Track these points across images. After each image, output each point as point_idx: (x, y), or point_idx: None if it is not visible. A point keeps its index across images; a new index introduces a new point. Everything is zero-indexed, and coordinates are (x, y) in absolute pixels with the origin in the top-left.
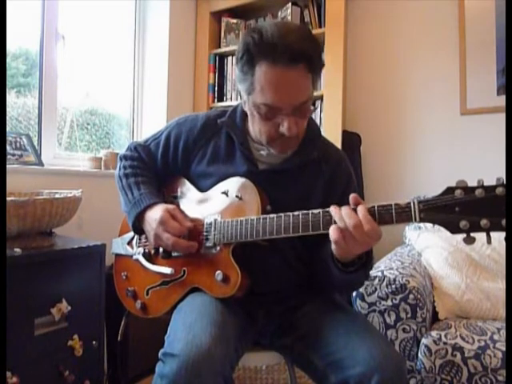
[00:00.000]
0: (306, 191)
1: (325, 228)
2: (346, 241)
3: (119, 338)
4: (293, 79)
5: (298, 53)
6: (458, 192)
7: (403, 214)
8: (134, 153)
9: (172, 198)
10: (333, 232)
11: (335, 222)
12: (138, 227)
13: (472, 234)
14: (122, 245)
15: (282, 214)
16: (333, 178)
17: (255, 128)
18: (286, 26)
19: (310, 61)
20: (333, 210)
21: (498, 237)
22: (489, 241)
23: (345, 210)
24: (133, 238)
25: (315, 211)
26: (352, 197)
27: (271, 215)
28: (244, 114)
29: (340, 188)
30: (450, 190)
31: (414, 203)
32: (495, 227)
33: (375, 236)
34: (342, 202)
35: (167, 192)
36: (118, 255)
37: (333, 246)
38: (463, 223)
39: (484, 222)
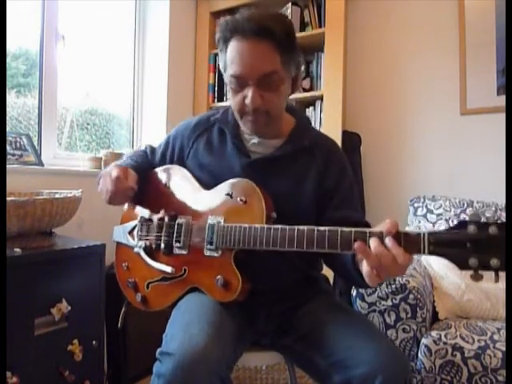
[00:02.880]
0: (299, 178)
1: (330, 247)
2: (380, 276)
3: (119, 326)
4: (257, 51)
5: (263, 28)
6: (471, 228)
7: (412, 246)
8: (143, 149)
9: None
10: (368, 274)
11: (349, 249)
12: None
13: (480, 272)
14: (123, 233)
15: (287, 227)
16: (327, 165)
17: (232, 104)
18: (259, 10)
19: (276, 38)
20: (359, 247)
21: None
22: (497, 280)
23: (374, 245)
24: (134, 228)
25: (321, 228)
26: (387, 229)
27: (276, 226)
28: None
29: (334, 175)
30: (462, 224)
31: (424, 235)
32: (505, 268)
33: (408, 265)
34: (335, 189)
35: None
36: (119, 244)
37: (365, 277)
38: (472, 261)
39: (494, 261)
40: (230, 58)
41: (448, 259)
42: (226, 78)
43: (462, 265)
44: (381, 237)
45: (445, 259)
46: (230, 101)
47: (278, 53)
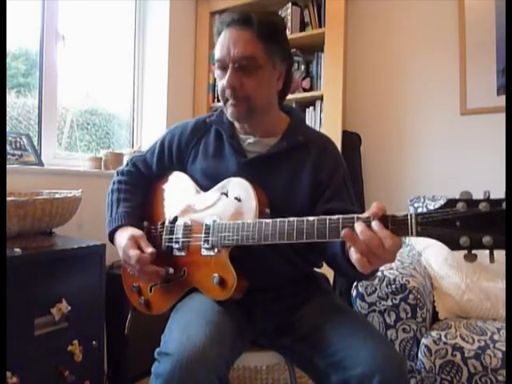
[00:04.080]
0: (295, 173)
1: (319, 236)
2: (370, 262)
3: (126, 332)
4: (238, 36)
5: (244, 17)
6: (460, 205)
7: (399, 228)
8: (129, 167)
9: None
10: (357, 261)
11: (337, 236)
12: (114, 244)
13: (474, 251)
14: None
15: (278, 220)
16: (321, 159)
17: (218, 90)
18: (255, 8)
19: (256, 27)
20: (346, 234)
21: None
22: (492, 259)
23: (360, 229)
24: None
25: (310, 218)
26: (373, 212)
27: (267, 220)
28: None
29: (327, 168)
30: (451, 203)
31: (411, 216)
32: (499, 245)
33: (397, 249)
34: (328, 182)
35: (165, 186)
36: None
37: (355, 264)
38: (463, 240)
39: (487, 239)
40: (216, 46)
41: (438, 240)
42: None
43: (453, 245)
44: (367, 221)
45: (435, 240)
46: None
47: (259, 41)
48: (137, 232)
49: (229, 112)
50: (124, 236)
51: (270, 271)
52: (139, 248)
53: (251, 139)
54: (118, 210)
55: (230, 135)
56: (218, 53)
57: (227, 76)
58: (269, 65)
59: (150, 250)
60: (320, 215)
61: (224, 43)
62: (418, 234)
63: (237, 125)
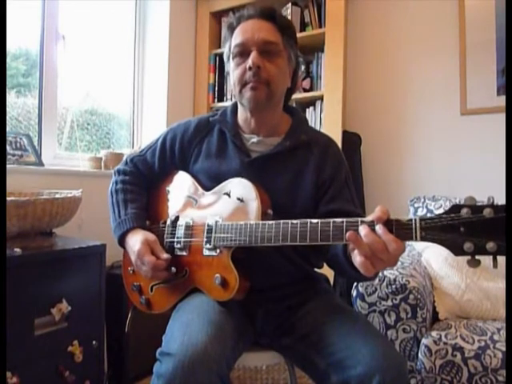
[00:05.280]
0: (298, 173)
1: (322, 239)
2: (373, 265)
3: (126, 330)
4: (261, 25)
5: (267, 10)
6: (464, 211)
7: (403, 232)
8: (129, 166)
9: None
10: (361, 264)
11: (340, 239)
12: (122, 246)
13: (477, 257)
14: None
15: (281, 221)
16: (323, 158)
17: (233, 79)
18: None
19: (278, 21)
20: (351, 237)
21: None
22: (495, 265)
23: (364, 233)
24: None
25: (314, 221)
26: (377, 216)
27: (270, 222)
28: (234, 110)
29: (330, 168)
30: (455, 208)
31: (415, 221)
32: (503, 251)
33: (400, 253)
34: (331, 182)
35: (167, 186)
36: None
37: (358, 267)
38: (467, 245)
39: (490, 245)
40: (235, 36)
41: (442, 245)
42: (230, 60)
43: (457, 250)
44: (372, 225)
45: (439, 245)
46: (232, 79)
47: (279, 33)
48: (150, 237)
49: (247, 96)
50: (137, 240)
51: (272, 272)
52: (153, 253)
53: (255, 139)
54: (126, 212)
55: (234, 134)
56: (239, 38)
57: (252, 56)
58: (286, 56)
59: (165, 256)
60: (322, 216)
61: (247, 29)
62: (422, 239)
63: (241, 124)
